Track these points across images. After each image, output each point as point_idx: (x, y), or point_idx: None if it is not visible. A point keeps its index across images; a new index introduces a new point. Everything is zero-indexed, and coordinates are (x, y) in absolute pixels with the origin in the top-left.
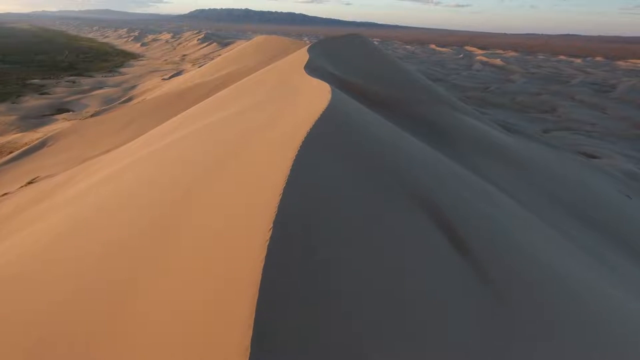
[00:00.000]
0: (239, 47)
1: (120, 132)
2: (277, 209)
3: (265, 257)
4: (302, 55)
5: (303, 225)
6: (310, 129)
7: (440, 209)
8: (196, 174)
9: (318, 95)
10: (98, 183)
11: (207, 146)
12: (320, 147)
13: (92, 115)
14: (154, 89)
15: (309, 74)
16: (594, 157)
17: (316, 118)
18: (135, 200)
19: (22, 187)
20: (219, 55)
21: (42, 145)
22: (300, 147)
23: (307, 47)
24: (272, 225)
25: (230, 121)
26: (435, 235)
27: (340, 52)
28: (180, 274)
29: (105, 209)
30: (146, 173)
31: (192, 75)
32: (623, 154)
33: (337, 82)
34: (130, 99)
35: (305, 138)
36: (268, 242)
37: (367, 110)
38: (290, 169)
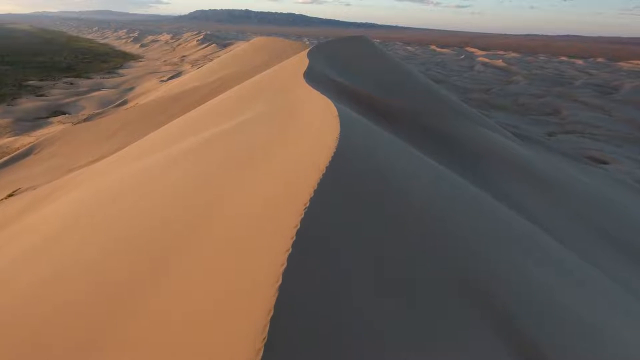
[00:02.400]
0: (236, 49)
1: (109, 139)
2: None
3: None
4: (301, 60)
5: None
6: (317, 184)
7: (499, 301)
8: (196, 198)
9: (321, 120)
10: (93, 197)
11: (206, 173)
12: (330, 211)
13: (85, 120)
14: (151, 91)
15: (309, 84)
16: (602, 162)
17: (323, 168)
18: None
19: (2, 199)
20: (218, 56)
21: (28, 152)
22: (304, 215)
23: (307, 50)
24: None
25: (225, 143)
26: (496, 343)
27: (344, 57)
28: (193, 276)
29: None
30: (148, 189)
31: (187, 78)
32: (632, 159)
33: (342, 92)
34: (124, 102)
35: (311, 200)
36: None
37: (385, 136)
38: (291, 248)
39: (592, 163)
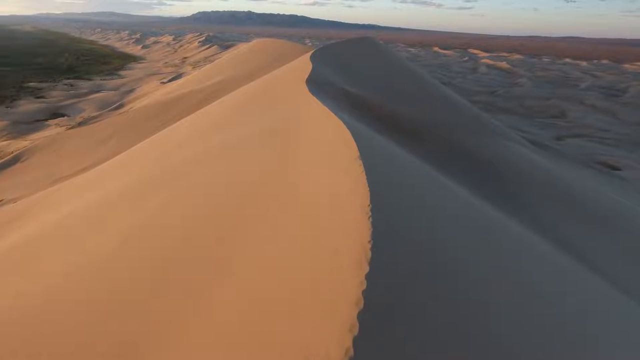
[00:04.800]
0: (236, 51)
1: (99, 147)
2: None
3: None
4: (304, 64)
5: None
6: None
7: None
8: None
9: (334, 159)
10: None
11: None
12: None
13: (78, 124)
14: (149, 93)
15: (314, 94)
16: (615, 168)
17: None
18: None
19: None
20: (219, 58)
21: (15, 160)
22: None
23: (310, 53)
24: None
25: (221, 169)
26: None
27: (350, 60)
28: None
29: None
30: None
31: (185, 81)
32: None
33: (351, 101)
34: (120, 106)
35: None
36: None
37: (423, 172)
38: None
39: (605, 169)
